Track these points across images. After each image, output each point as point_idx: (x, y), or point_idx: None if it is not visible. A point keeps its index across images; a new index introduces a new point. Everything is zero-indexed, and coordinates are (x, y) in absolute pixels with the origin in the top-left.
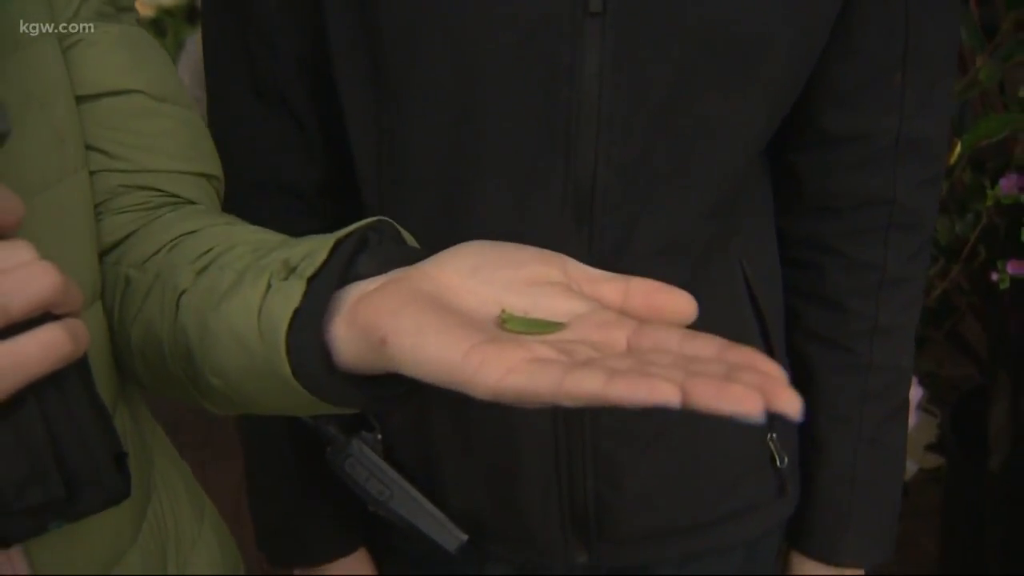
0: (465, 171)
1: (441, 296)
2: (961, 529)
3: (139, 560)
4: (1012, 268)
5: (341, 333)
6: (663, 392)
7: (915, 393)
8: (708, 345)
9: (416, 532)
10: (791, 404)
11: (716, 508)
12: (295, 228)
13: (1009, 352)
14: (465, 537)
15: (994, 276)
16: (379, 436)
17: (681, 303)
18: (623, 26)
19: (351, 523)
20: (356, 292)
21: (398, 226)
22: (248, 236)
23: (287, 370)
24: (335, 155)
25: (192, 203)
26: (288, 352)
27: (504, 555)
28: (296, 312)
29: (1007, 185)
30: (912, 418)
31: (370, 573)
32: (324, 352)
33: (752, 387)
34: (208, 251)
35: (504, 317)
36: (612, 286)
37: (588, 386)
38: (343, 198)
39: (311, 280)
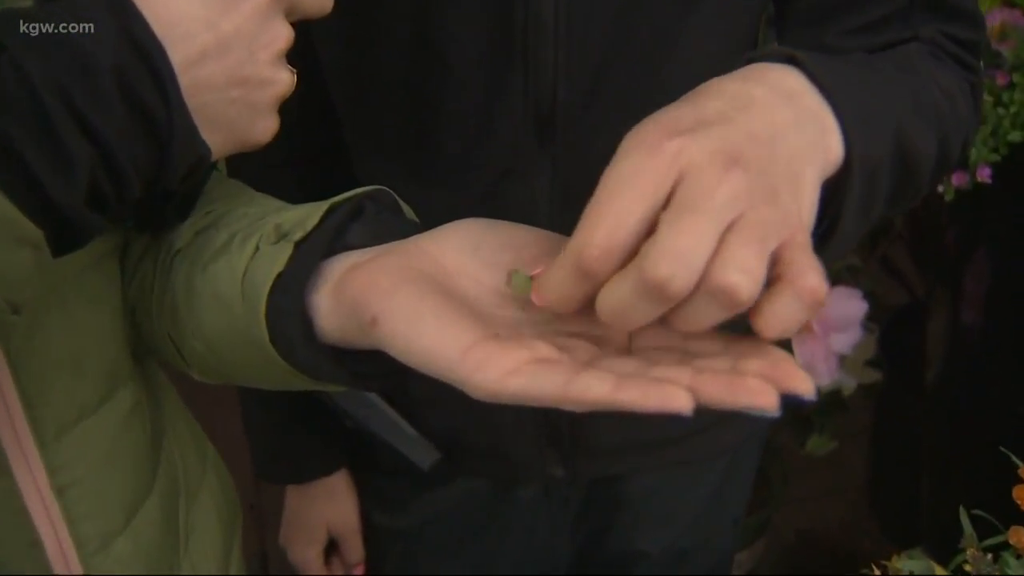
0: (427, 94)
1: (438, 277)
2: (890, 442)
3: (158, 504)
4: (956, 179)
5: (326, 304)
6: (676, 400)
7: (860, 307)
8: (713, 342)
9: (392, 450)
10: (804, 385)
11: (687, 420)
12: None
13: (946, 269)
14: (439, 455)
15: (939, 188)
16: None
17: None
18: None
19: (334, 444)
20: (347, 263)
21: (396, 196)
22: (250, 200)
23: (265, 335)
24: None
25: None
26: (267, 317)
27: (482, 470)
28: (279, 276)
29: None
30: (857, 334)
31: (349, 493)
32: (304, 320)
33: (761, 376)
34: (209, 212)
35: (514, 275)
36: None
37: (596, 391)
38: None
39: (298, 245)
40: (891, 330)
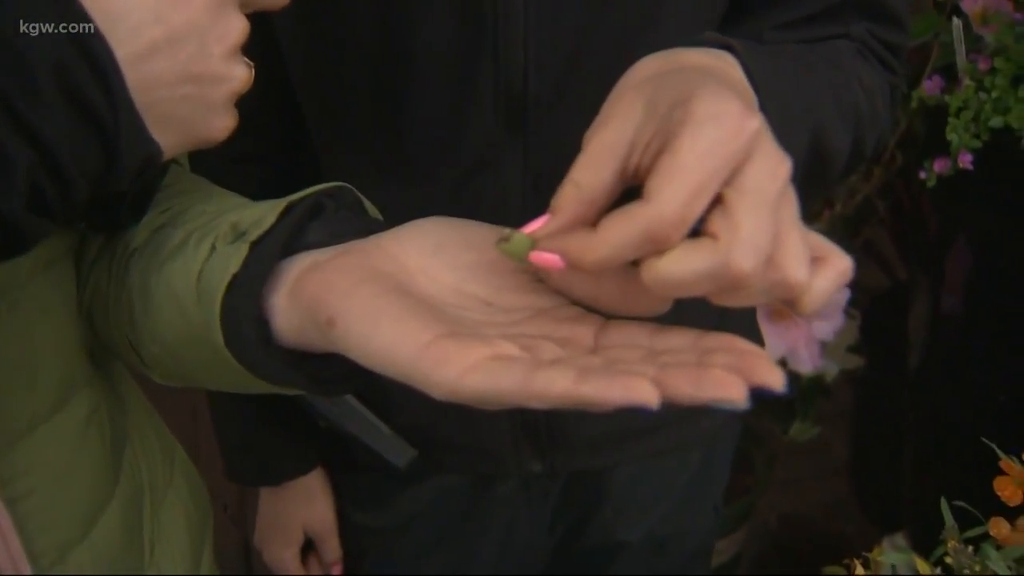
0: (394, 86)
1: (398, 277)
2: (872, 427)
3: (119, 513)
4: (938, 166)
5: (283, 305)
6: (641, 392)
7: (841, 294)
8: (680, 337)
9: (366, 449)
10: (773, 377)
11: (663, 410)
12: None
13: (927, 254)
14: (415, 453)
15: (922, 175)
16: None
17: (659, 301)
18: None
19: (308, 443)
20: (305, 263)
21: (359, 194)
22: (208, 196)
23: (220, 339)
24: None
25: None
26: (222, 319)
27: (458, 466)
28: (234, 277)
29: (930, 87)
30: (839, 321)
31: (325, 492)
32: (261, 322)
33: (729, 369)
34: (166, 209)
35: (514, 234)
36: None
37: (557, 385)
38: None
39: (254, 245)
40: (873, 316)
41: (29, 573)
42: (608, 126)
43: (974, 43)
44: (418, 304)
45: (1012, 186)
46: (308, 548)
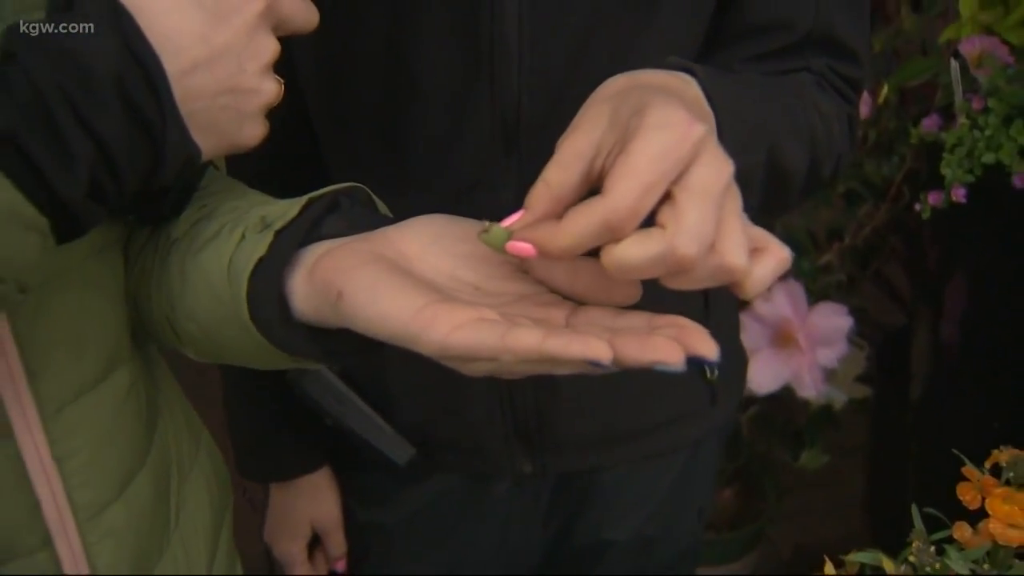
0: (399, 111)
1: (399, 261)
2: (885, 459)
3: (150, 478)
4: (933, 199)
5: (301, 287)
6: (596, 349)
7: (845, 322)
8: (637, 318)
9: (368, 446)
10: (707, 346)
11: (649, 416)
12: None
13: (929, 287)
14: (414, 451)
15: (917, 207)
16: None
17: (627, 291)
18: None
19: (315, 442)
20: (320, 250)
21: (372, 194)
22: (241, 195)
23: (247, 316)
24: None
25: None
26: (248, 299)
27: (454, 465)
28: (260, 261)
29: (929, 124)
30: (842, 348)
31: (331, 489)
32: (282, 301)
33: (670, 338)
34: (203, 206)
35: (492, 226)
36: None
37: (528, 340)
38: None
39: (278, 233)
40: (881, 345)
41: (72, 524)
42: (576, 133)
43: (970, 84)
44: (414, 280)
45: (1003, 219)
46: (315, 544)
